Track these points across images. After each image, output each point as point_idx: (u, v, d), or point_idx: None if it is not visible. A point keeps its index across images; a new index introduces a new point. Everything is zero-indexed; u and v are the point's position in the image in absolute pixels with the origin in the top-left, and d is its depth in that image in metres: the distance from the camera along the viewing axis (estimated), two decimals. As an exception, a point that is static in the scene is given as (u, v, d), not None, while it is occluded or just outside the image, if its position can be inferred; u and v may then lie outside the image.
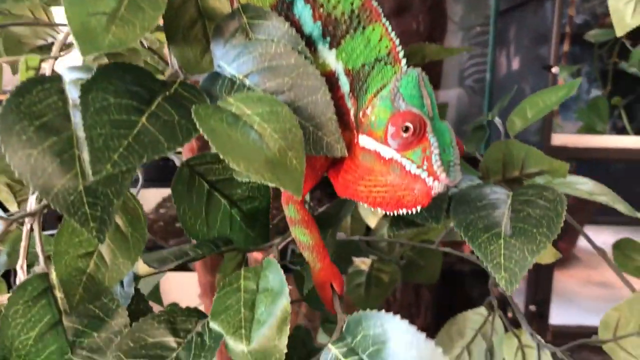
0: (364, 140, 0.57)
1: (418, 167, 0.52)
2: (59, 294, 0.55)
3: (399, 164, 0.54)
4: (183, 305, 0.58)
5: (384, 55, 0.59)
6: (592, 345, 0.77)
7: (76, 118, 0.50)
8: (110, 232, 0.56)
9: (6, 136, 0.49)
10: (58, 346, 0.53)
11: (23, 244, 0.58)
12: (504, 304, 1.35)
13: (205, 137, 0.48)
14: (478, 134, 0.95)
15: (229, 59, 0.58)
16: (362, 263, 1.15)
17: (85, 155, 0.47)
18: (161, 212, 1.80)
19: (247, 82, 0.56)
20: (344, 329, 0.51)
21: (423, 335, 0.44)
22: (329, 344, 0.50)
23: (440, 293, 2.04)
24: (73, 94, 0.52)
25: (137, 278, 0.62)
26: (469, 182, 0.70)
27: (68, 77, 0.54)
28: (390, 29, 0.60)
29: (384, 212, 0.59)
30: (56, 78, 0.54)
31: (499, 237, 0.54)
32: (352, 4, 0.59)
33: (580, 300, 2.01)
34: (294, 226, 0.59)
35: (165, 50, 0.78)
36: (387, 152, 0.55)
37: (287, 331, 0.49)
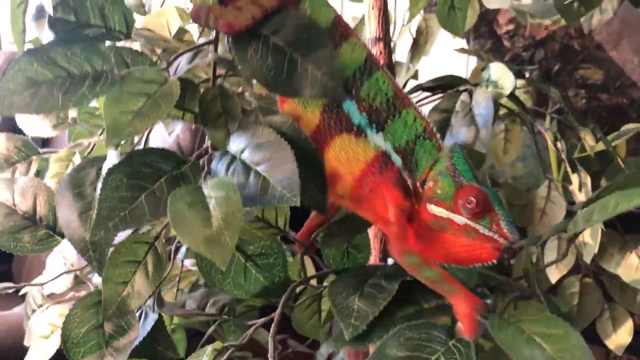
0: (433, 209, 0.70)
1: (489, 230, 0.67)
2: (105, 307, 0.79)
3: (473, 228, 0.68)
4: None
5: (421, 132, 0.73)
6: None
7: (98, 190, 0.73)
8: (141, 269, 0.79)
9: (60, 197, 0.75)
10: (97, 342, 0.78)
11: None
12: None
13: (169, 218, 0.66)
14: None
15: (234, 139, 0.75)
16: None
17: (94, 216, 0.69)
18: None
19: (242, 156, 0.71)
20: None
21: None
22: None
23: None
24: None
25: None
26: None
27: (109, 160, 0.77)
28: (420, 110, 0.74)
29: None
30: (102, 159, 0.77)
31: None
32: (386, 94, 0.74)
33: None
34: (417, 270, 0.71)
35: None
36: (460, 219, 0.68)
37: None
